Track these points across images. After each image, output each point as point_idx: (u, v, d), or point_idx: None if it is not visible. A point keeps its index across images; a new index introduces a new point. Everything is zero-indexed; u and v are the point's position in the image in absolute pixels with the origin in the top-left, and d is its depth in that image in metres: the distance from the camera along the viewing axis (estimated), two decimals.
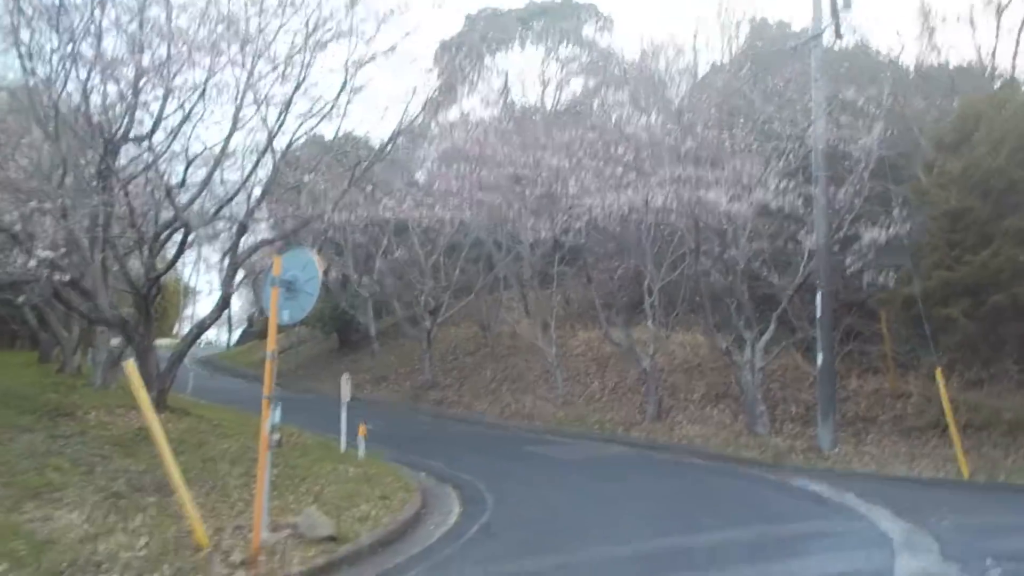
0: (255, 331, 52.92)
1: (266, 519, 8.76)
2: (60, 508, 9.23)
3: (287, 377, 37.55)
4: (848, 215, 19.69)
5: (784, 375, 22.97)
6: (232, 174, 16.82)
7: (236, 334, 64.02)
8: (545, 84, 43.23)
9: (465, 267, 28.68)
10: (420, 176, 30.26)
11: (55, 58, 14.56)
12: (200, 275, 61.05)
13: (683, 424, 21.80)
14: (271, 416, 8.63)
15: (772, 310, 20.70)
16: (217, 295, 17.48)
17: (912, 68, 26.93)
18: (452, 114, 31.28)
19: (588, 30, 44.95)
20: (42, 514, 8.94)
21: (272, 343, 8.73)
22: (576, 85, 41.96)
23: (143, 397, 8.80)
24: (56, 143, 14.27)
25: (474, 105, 37.58)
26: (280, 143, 15.84)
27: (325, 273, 34.17)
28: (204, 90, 15.15)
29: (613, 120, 22.40)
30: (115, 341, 17.97)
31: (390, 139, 17.57)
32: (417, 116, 19.32)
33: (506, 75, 42.52)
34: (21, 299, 16.42)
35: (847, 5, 19.28)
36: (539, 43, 44.51)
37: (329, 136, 20.70)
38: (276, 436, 8.76)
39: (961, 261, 17.85)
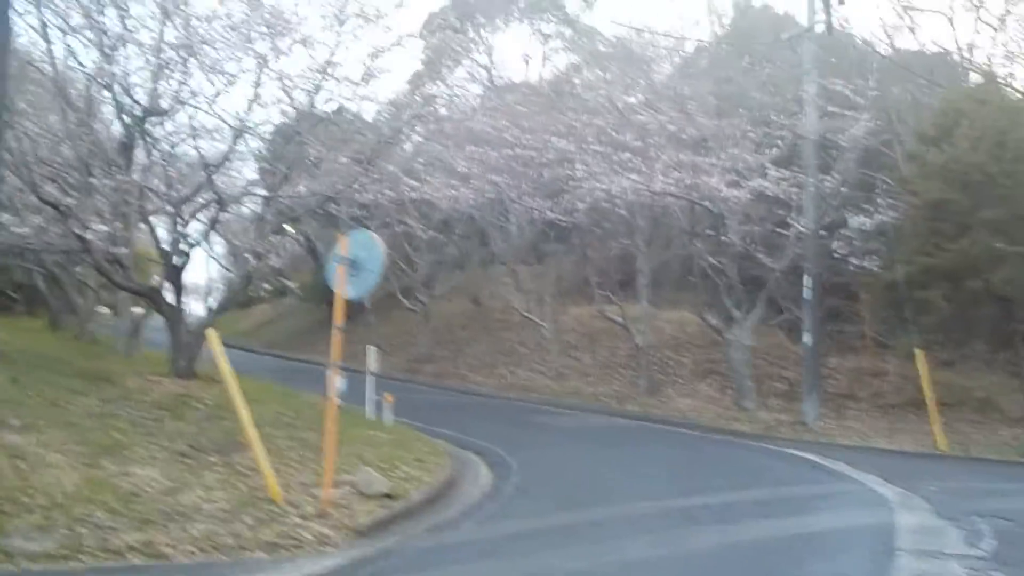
0: (236, 300, 53.19)
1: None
2: (134, 465, 9.95)
3: (280, 346, 38.31)
4: (835, 201, 20.77)
5: (770, 353, 24.11)
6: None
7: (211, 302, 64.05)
8: (528, 61, 43.77)
9: (459, 242, 29.49)
10: (407, 149, 30.85)
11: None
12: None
13: (675, 398, 22.91)
14: (339, 384, 9.45)
15: (760, 290, 21.76)
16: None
17: (892, 56, 27.85)
18: (436, 89, 31.73)
19: (572, 7, 45.39)
20: (120, 470, 9.65)
21: (339, 318, 9.52)
22: (559, 62, 42.47)
23: (224, 366, 9.54)
24: (86, 120, 14.91)
25: (459, 80, 37.91)
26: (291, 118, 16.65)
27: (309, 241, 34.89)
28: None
29: (602, 99, 23.12)
30: (136, 310, 18.64)
31: (405, 122, 18.36)
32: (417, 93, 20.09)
33: (490, 51, 43.13)
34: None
35: (841, 1, 20.19)
36: (523, 19, 44.98)
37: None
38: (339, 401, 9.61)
39: (941, 248, 18.93)
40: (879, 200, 20.95)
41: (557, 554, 7.60)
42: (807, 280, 20.06)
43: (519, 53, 45.54)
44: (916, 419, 19.66)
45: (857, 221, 20.32)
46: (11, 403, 10.43)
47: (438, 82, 31.16)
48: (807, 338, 20.03)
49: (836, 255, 20.84)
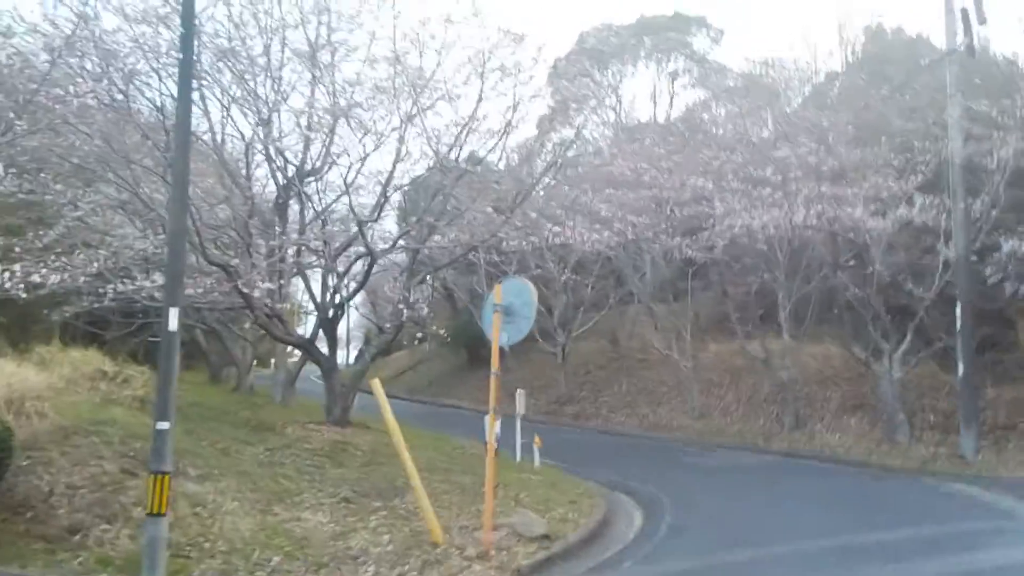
0: (387, 349, 54.42)
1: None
2: (303, 510, 10.47)
3: (421, 392, 39.16)
4: (986, 225, 20.10)
5: (920, 384, 23.29)
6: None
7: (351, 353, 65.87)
8: (656, 99, 44.02)
9: (595, 283, 29.68)
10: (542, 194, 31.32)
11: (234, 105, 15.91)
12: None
13: (822, 433, 22.39)
14: (496, 428, 9.75)
15: (908, 320, 21.15)
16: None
17: None
18: (566, 132, 32.14)
19: (699, 44, 45.48)
20: (291, 515, 10.17)
21: (496, 363, 9.82)
22: (688, 98, 42.54)
23: (388, 415, 9.94)
24: (245, 183, 15.84)
25: (589, 123, 38.28)
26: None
27: (447, 288, 35.67)
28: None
29: (736, 135, 23.07)
30: (292, 360, 19.47)
31: (545, 170, 18.84)
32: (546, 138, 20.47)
33: (617, 92, 43.53)
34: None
35: (982, 20, 19.66)
36: (649, 59, 45.30)
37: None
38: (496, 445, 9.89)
39: None
40: None
41: None
42: (959, 308, 19.41)
43: (646, 92, 45.91)
44: None
45: (1010, 245, 19.57)
46: (188, 453, 11.06)
47: (567, 126, 31.74)
48: (962, 368, 19.35)
49: (989, 281, 20.12)
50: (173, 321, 7.41)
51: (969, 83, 21.35)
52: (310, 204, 17.02)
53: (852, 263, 21.21)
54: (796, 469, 18.46)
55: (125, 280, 13.76)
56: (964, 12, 19.77)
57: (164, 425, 7.28)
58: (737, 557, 9.39)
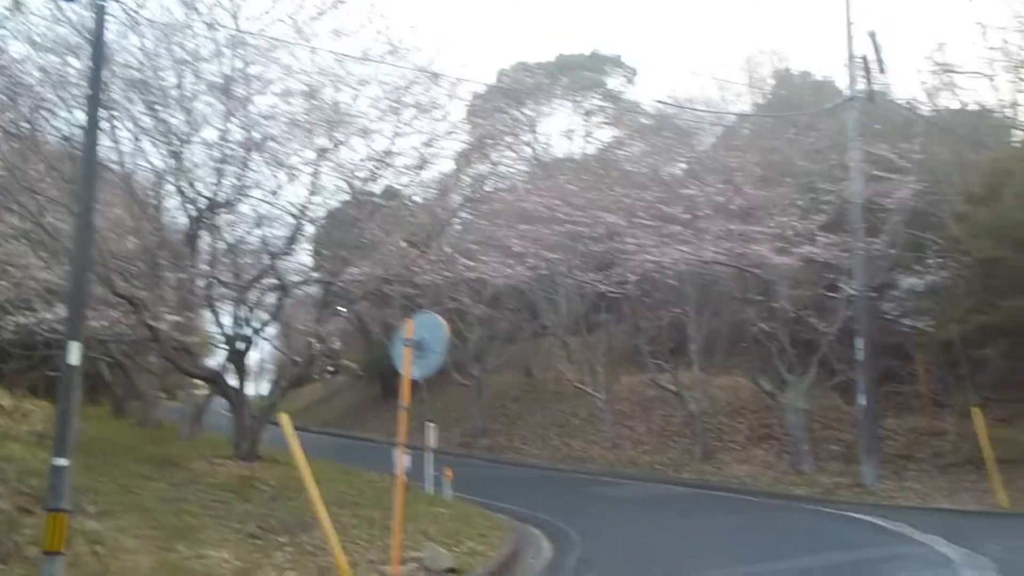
0: (298, 382, 53.87)
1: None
2: (207, 547, 10.27)
3: (335, 424, 38.75)
4: (884, 263, 20.87)
5: (825, 415, 24.00)
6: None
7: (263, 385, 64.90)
8: (571, 137, 44.54)
9: (510, 316, 29.86)
10: (458, 228, 31.46)
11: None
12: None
13: (731, 464, 22.86)
14: (405, 462, 9.75)
15: (812, 354, 21.79)
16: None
17: (936, 118, 28.03)
18: (483, 168, 32.32)
19: (613, 82, 46.26)
20: (193, 552, 9.97)
21: (406, 397, 9.83)
22: (603, 136, 43.14)
23: (296, 448, 9.85)
24: (154, 214, 15.64)
25: (506, 159, 38.50)
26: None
27: (361, 320, 35.49)
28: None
29: (647, 172, 23.49)
30: (197, 393, 19.14)
31: (460, 205, 18.97)
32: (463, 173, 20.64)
33: (534, 129, 43.97)
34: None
35: (882, 69, 20.55)
36: (566, 97, 45.89)
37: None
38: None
39: (995, 306, 18.90)
40: (929, 260, 20.99)
41: None
42: (859, 342, 20.08)
43: (561, 129, 46.41)
44: (976, 477, 19.42)
45: (908, 282, 20.35)
46: (88, 490, 10.79)
47: (484, 161, 31.90)
48: (862, 399, 19.98)
49: (888, 316, 20.84)
50: (74, 355, 7.29)
51: (870, 127, 22.20)
52: (221, 236, 16.81)
53: (759, 298, 21.78)
54: (705, 500, 18.78)
55: (26, 312, 13.42)
56: (865, 60, 20.65)
57: (62, 461, 7.15)
58: None
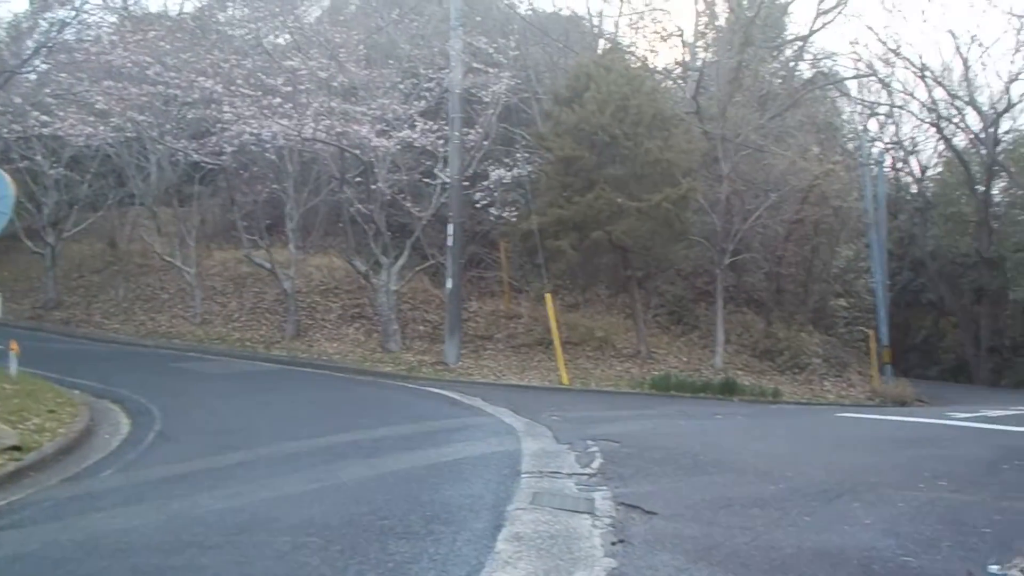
0: None
1: None
2: None
3: None
4: (478, 154, 21.91)
5: (415, 297, 25.10)
6: None
7: None
8: None
9: (93, 181, 27.59)
10: (32, 79, 28.34)
11: None
12: None
13: (321, 342, 23.22)
14: None
15: (407, 238, 22.55)
16: None
17: (531, 18, 29.55)
18: (64, 13, 29.31)
19: None
20: None
21: None
22: None
23: None
24: None
25: (89, 5, 35.11)
26: None
27: None
28: None
29: (250, 39, 22.54)
30: None
31: (35, 52, 16.87)
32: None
33: None
34: None
35: None
36: None
37: None
38: None
39: (571, 201, 20.67)
40: (518, 155, 22.41)
41: (206, 495, 7.66)
42: (450, 228, 21.09)
43: None
44: (545, 357, 21.51)
45: (497, 173, 21.54)
46: None
47: (67, 6, 28.78)
48: (449, 283, 21.08)
49: (478, 205, 22.01)
50: None
51: (471, 18, 22.92)
52: None
53: (358, 179, 21.98)
54: (294, 375, 18.96)
55: None
56: None
57: None
58: (224, 461, 9.45)
